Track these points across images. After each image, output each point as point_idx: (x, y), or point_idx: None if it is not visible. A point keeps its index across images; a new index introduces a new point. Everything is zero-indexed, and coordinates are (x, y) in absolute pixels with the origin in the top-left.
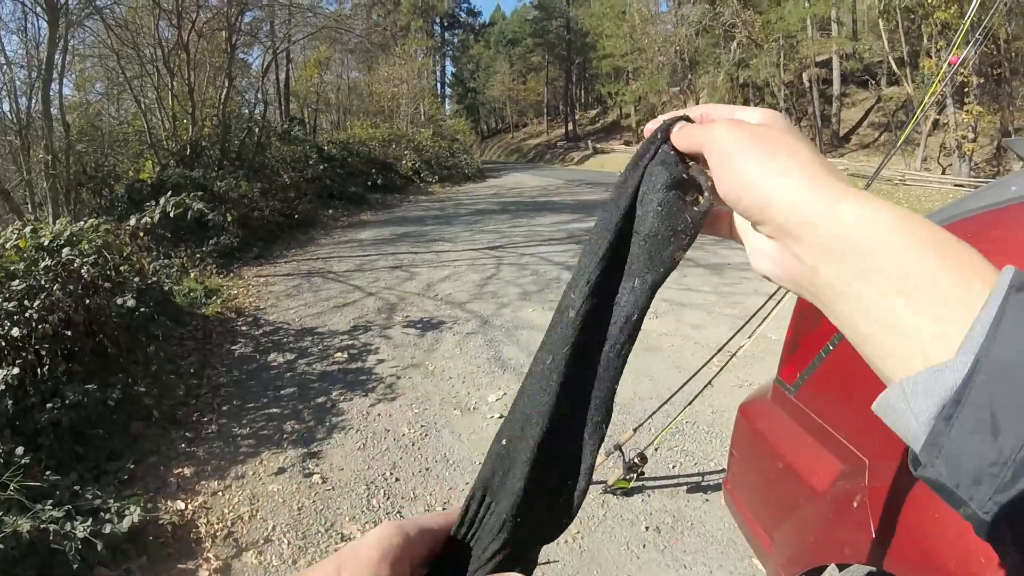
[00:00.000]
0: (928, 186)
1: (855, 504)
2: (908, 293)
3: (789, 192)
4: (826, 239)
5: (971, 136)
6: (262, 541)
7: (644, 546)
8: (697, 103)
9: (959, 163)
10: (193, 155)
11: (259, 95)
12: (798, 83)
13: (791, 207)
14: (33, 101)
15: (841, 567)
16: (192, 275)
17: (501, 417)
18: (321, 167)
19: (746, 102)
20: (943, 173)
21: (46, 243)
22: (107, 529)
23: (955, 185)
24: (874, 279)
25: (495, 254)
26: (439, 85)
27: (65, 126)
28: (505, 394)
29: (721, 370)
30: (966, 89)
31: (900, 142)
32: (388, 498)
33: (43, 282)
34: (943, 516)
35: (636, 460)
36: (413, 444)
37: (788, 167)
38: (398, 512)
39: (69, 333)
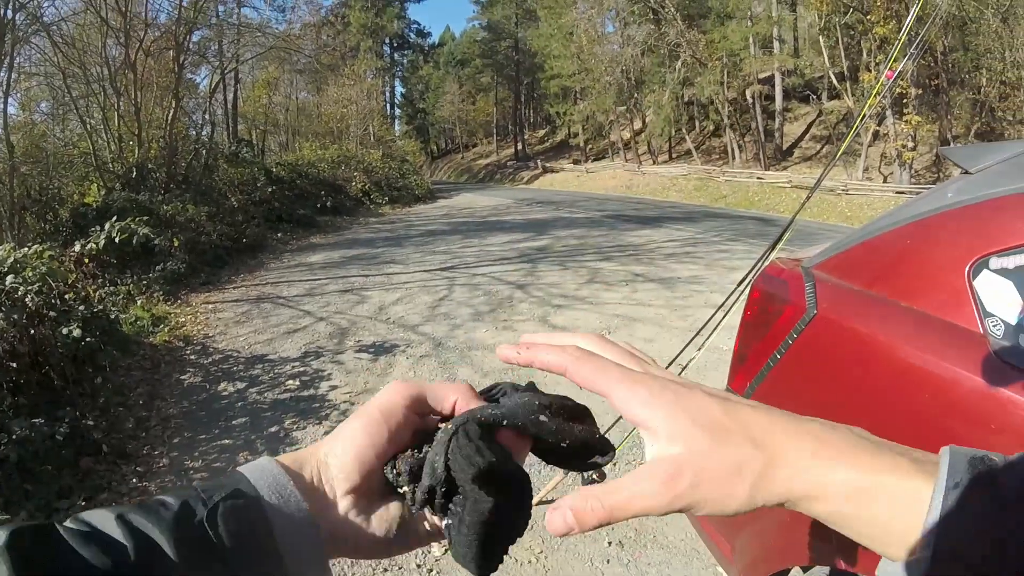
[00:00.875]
0: (870, 195)
1: None
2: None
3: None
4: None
5: (911, 145)
6: None
7: (608, 561)
8: (644, 121)
9: (900, 171)
10: (139, 178)
11: (207, 116)
12: (741, 99)
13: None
14: None
15: (805, 569)
16: (139, 302)
17: None
18: (269, 189)
19: (691, 119)
20: (884, 182)
21: None
22: None
23: (896, 193)
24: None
25: (447, 275)
26: (388, 106)
27: (9, 147)
28: None
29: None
30: (905, 100)
31: (839, 153)
32: None
33: None
34: None
35: (595, 476)
36: None
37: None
38: None
39: (14, 365)
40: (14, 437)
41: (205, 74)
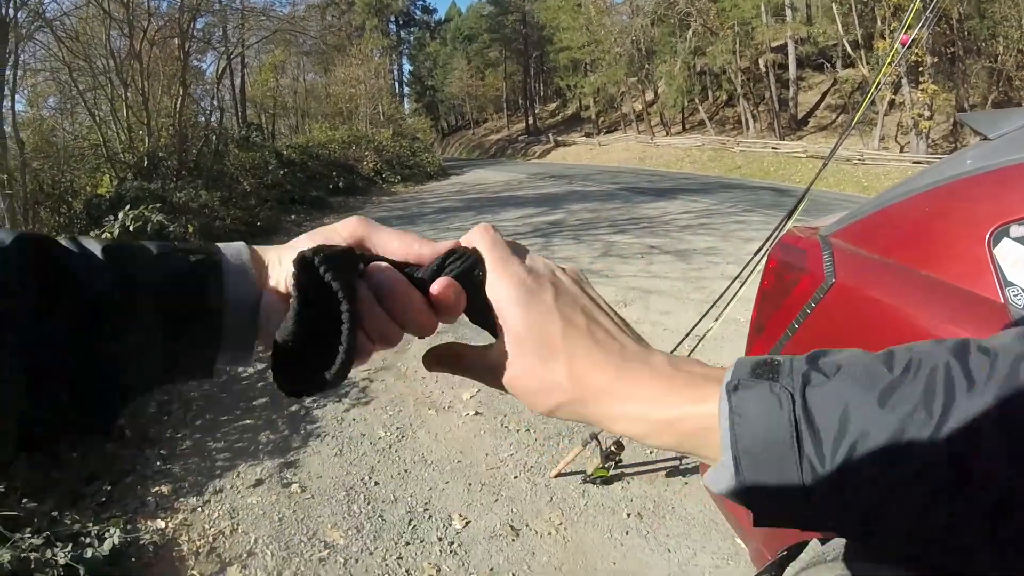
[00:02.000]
0: (887, 164)
1: None
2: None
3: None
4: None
5: (927, 114)
6: (245, 555)
7: (627, 533)
8: (656, 92)
9: (916, 141)
10: (151, 167)
11: (215, 102)
12: (755, 69)
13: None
14: None
15: (824, 540)
16: None
17: (477, 414)
18: (281, 172)
19: (704, 90)
20: (901, 151)
21: None
22: (88, 553)
23: (913, 163)
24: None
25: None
26: (397, 84)
27: (19, 143)
28: (479, 391)
29: (691, 354)
30: (920, 68)
31: (854, 122)
32: (368, 503)
33: None
34: None
35: (613, 448)
36: (390, 447)
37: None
38: (380, 516)
39: None
40: None
41: (211, 60)
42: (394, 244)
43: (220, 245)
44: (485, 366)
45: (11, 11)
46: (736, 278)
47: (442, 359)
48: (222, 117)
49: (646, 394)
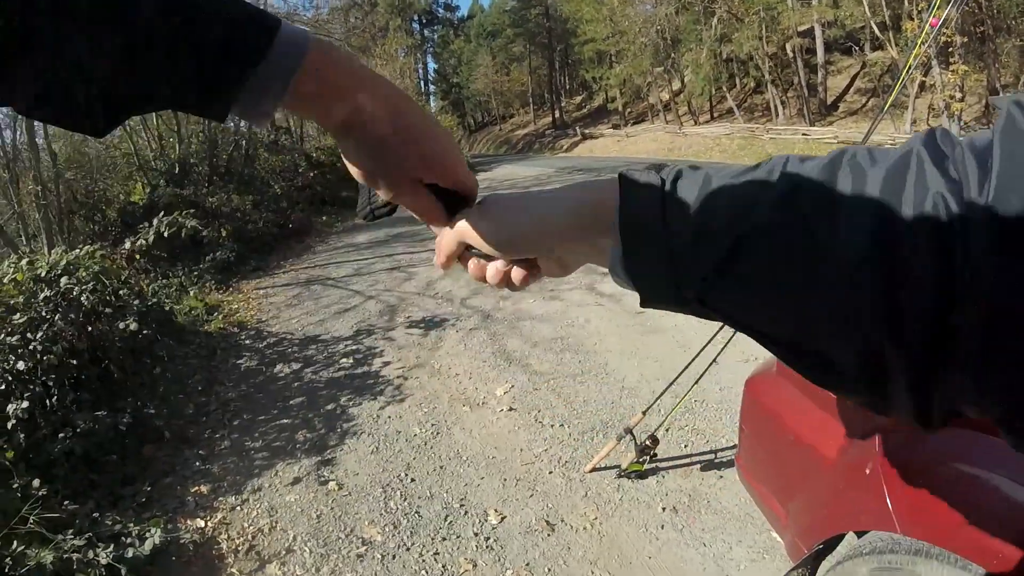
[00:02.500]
0: None
1: (867, 471)
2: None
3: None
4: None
5: (959, 96)
6: (284, 552)
7: (662, 527)
8: (682, 81)
9: (948, 123)
10: (182, 173)
11: None
12: (782, 54)
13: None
14: (18, 133)
15: (859, 534)
16: (192, 293)
17: (511, 410)
18: (311, 174)
19: (731, 77)
20: None
21: (43, 274)
22: (129, 553)
23: None
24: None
25: None
26: (422, 83)
27: (52, 155)
28: (512, 387)
29: (725, 346)
30: (950, 49)
31: (886, 106)
32: (405, 499)
33: (44, 313)
34: (954, 479)
35: (648, 442)
36: (425, 444)
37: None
38: (416, 512)
39: (74, 362)
40: (78, 430)
41: None
42: None
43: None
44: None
45: None
46: None
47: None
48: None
49: (568, 194)
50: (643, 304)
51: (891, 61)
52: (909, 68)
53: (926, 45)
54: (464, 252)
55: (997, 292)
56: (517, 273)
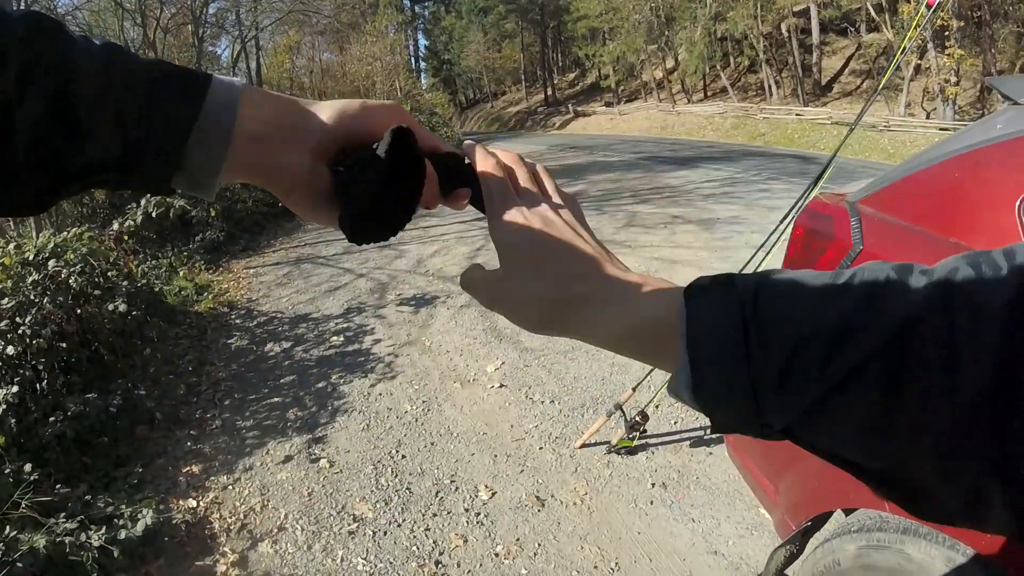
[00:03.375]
0: (912, 131)
1: None
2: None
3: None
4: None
5: (954, 80)
6: (276, 530)
7: (652, 503)
8: (676, 60)
9: (943, 107)
10: None
11: None
12: (777, 34)
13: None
14: None
15: (847, 512)
16: (181, 273)
17: (502, 386)
18: None
19: (726, 56)
20: (927, 118)
21: (31, 257)
22: (122, 535)
23: (940, 129)
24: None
25: (483, 225)
26: (413, 60)
27: None
28: (503, 363)
29: None
30: (947, 33)
31: (879, 87)
32: (396, 476)
33: (32, 297)
34: None
35: (637, 419)
36: (416, 420)
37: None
38: (407, 488)
39: (64, 345)
40: (69, 413)
41: (226, 45)
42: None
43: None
44: (486, 284)
45: (23, 6)
46: (761, 247)
47: (464, 281)
48: None
49: (622, 298)
50: (714, 431)
51: (887, 43)
52: (904, 50)
53: (922, 28)
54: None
55: None
56: None
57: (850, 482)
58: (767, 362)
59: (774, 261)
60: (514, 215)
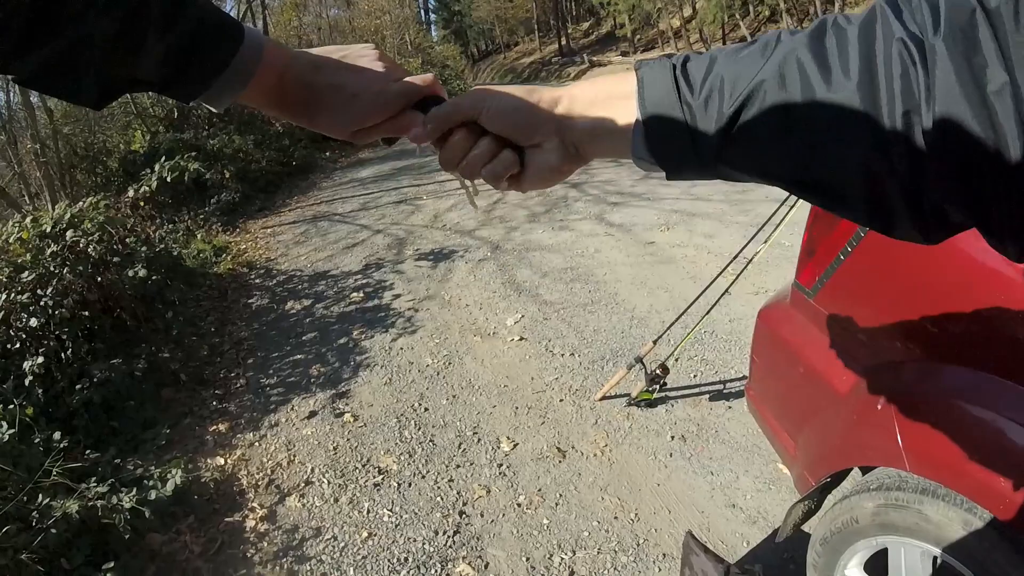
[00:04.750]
0: None
1: (878, 407)
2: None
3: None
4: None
5: None
6: (303, 484)
7: (671, 455)
8: (694, 8)
9: None
10: (181, 117)
11: None
12: None
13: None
14: (12, 94)
15: (864, 470)
16: (199, 236)
17: (522, 339)
18: None
19: (745, 4)
20: None
21: (48, 230)
22: (152, 496)
23: None
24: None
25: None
26: (423, 12)
27: (48, 112)
28: (523, 316)
29: (737, 278)
30: None
31: None
32: (419, 428)
33: (52, 268)
34: (965, 420)
35: (658, 371)
36: (438, 374)
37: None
38: (430, 441)
39: (86, 313)
40: (95, 380)
41: (232, 5)
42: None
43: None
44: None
45: None
46: (784, 201)
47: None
48: None
49: (591, 94)
50: (669, 177)
51: None
52: None
53: None
54: (455, 130)
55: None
56: (507, 157)
57: (870, 439)
58: (694, 99)
59: (799, 215)
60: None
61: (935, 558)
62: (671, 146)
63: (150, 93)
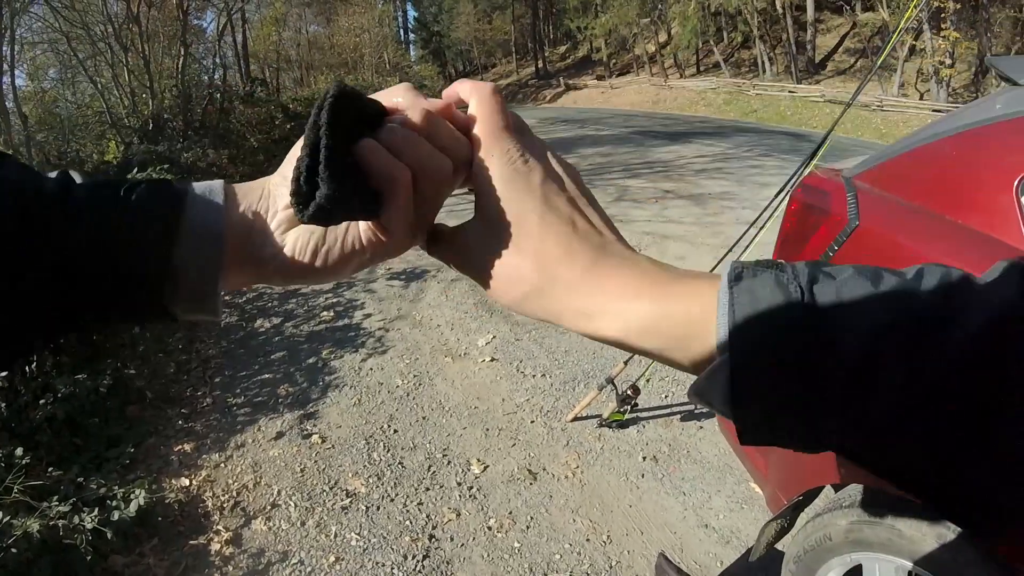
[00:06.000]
0: (906, 111)
1: None
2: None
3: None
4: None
5: (948, 62)
6: (269, 507)
7: (643, 476)
8: (669, 34)
9: (936, 89)
10: (156, 129)
11: (217, 60)
12: (771, 10)
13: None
14: None
15: (836, 487)
16: None
17: (493, 360)
18: (288, 126)
19: (719, 31)
20: (921, 99)
21: None
22: (115, 516)
23: (933, 110)
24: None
25: (471, 198)
26: (402, 31)
27: (22, 118)
28: (494, 337)
29: None
30: (943, 15)
31: (875, 67)
32: (388, 450)
33: None
34: None
35: (629, 392)
36: (408, 395)
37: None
38: (400, 463)
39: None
40: (59, 395)
41: (211, 18)
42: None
43: (194, 186)
44: (455, 247)
45: None
46: (754, 223)
47: (428, 239)
48: (225, 75)
49: (625, 290)
50: (743, 441)
51: (882, 23)
52: (900, 31)
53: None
54: None
55: None
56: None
57: (841, 458)
58: (835, 364)
59: (768, 237)
60: (507, 156)
61: (909, 572)
62: (769, 414)
63: (124, 104)
